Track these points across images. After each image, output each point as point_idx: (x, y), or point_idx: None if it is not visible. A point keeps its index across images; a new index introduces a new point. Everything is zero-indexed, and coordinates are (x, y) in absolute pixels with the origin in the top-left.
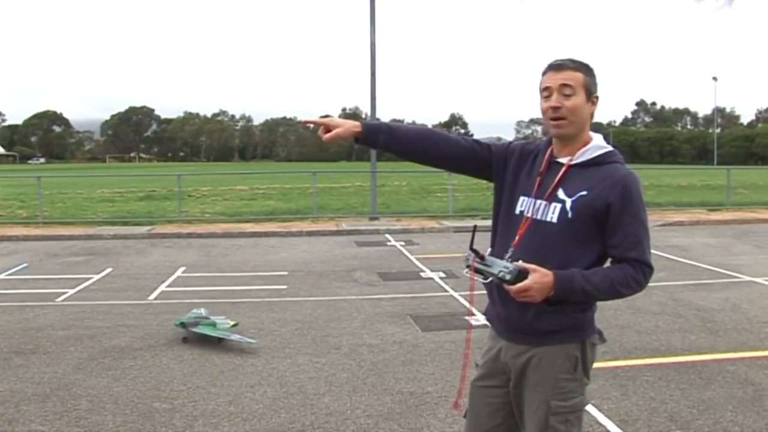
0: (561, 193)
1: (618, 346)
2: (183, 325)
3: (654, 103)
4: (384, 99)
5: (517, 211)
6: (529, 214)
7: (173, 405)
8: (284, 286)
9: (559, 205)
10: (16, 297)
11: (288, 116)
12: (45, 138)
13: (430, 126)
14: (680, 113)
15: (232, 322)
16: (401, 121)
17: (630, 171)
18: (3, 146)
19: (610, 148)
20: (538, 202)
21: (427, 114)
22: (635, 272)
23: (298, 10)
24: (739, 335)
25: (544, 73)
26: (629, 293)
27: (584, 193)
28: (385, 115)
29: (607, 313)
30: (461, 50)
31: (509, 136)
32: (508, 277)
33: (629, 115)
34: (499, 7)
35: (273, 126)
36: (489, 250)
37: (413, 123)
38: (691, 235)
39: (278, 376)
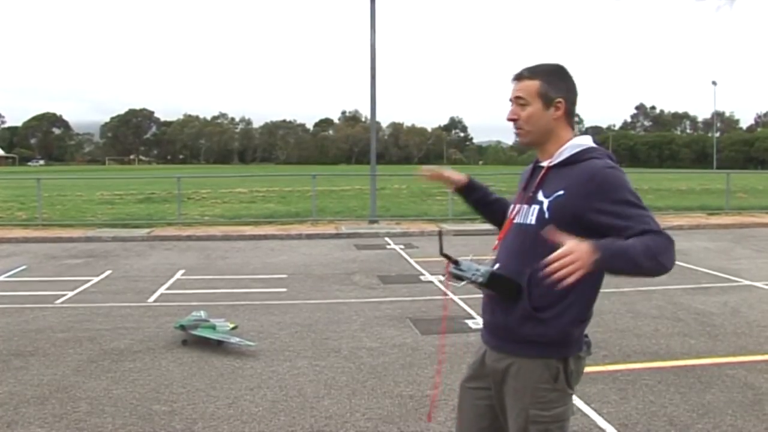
0: (540, 195)
1: (617, 349)
2: (182, 327)
3: (653, 107)
4: (384, 102)
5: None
6: (510, 217)
7: (173, 408)
8: (283, 289)
9: (537, 207)
10: (16, 299)
11: (287, 119)
12: (44, 140)
13: (429, 129)
14: (680, 117)
15: (232, 325)
16: (401, 125)
17: (607, 163)
18: (2, 148)
19: (587, 145)
20: (521, 205)
21: (427, 117)
22: (659, 237)
23: (298, 12)
24: (739, 339)
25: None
26: (665, 261)
27: (561, 192)
28: (385, 118)
29: (606, 316)
30: (461, 53)
31: (509, 139)
32: (480, 280)
33: (629, 119)
34: (499, 10)
35: (272, 129)
36: (470, 256)
37: (413, 126)
38: (690, 239)
39: (278, 379)
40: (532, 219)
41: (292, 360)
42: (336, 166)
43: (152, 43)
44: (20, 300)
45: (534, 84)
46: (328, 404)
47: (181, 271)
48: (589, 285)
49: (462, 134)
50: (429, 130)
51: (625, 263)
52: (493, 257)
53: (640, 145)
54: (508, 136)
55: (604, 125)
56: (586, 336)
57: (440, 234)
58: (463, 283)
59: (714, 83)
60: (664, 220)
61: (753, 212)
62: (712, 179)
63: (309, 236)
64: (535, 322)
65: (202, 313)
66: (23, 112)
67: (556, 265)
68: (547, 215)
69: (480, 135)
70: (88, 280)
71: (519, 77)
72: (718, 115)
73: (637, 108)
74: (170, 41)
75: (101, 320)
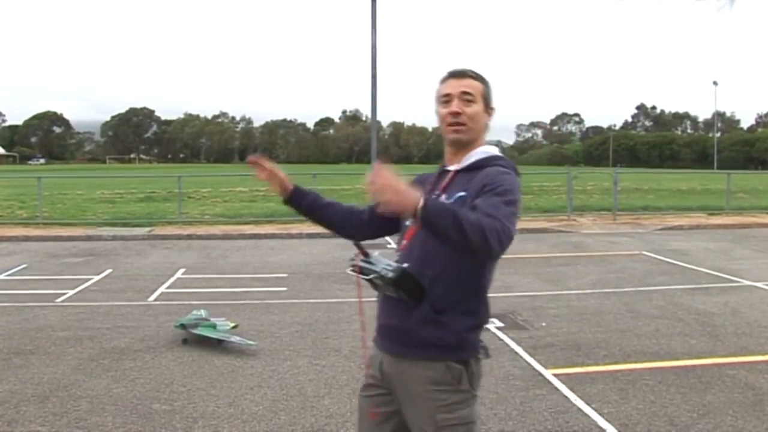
0: (443, 198)
1: (618, 349)
2: (183, 326)
3: (654, 107)
4: (385, 101)
5: (407, 223)
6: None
7: (173, 406)
8: (284, 288)
9: None
10: (16, 298)
11: (288, 118)
12: (45, 139)
13: (430, 129)
14: (680, 117)
15: (232, 324)
16: (401, 125)
17: (509, 171)
18: (3, 147)
19: (494, 153)
20: None
21: (428, 116)
22: (493, 222)
23: (299, 11)
24: (739, 339)
25: (443, 81)
26: (493, 243)
27: (462, 194)
28: (385, 118)
29: (606, 316)
30: (461, 53)
31: (509, 139)
32: (390, 275)
33: (629, 119)
34: (498, 10)
35: (273, 128)
36: (377, 252)
37: (413, 126)
38: (691, 240)
39: (278, 378)
40: None
41: (292, 359)
42: (336, 165)
43: (153, 42)
44: (21, 298)
45: (479, 85)
46: (329, 403)
47: (182, 270)
48: (484, 290)
49: None
50: (430, 129)
51: (452, 223)
52: (397, 258)
53: (641, 145)
54: (508, 136)
55: (605, 125)
56: (481, 340)
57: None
58: (370, 277)
59: (715, 83)
60: (665, 221)
61: (753, 212)
62: (713, 179)
63: (309, 235)
64: (435, 326)
65: (203, 312)
66: (24, 110)
67: (378, 180)
68: None
69: None
70: (89, 279)
71: (463, 75)
72: (719, 116)
73: (637, 108)
74: (171, 40)
75: (101, 319)
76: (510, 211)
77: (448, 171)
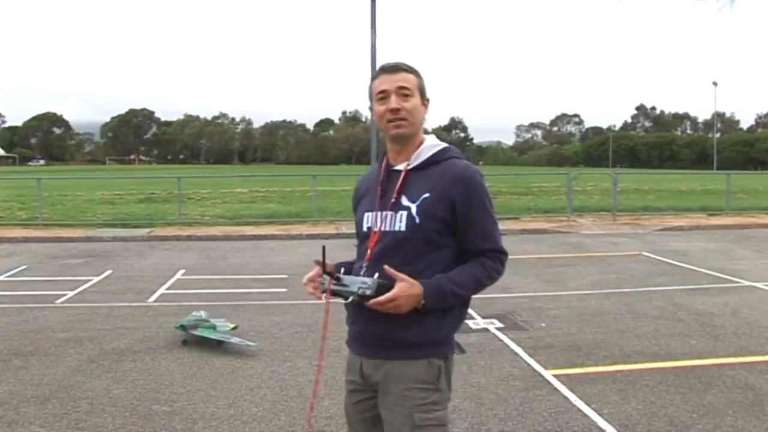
0: (404, 200)
1: (618, 350)
2: (183, 327)
3: (654, 108)
4: None
5: (365, 228)
6: (377, 228)
7: (173, 408)
8: (284, 289)
9: (404, 213)
10: (16, 299)
11: (288, 119)
12: (45, 140)
13: (430, 130)
14: (680, 118)
15: (232, 325)
16: None
17: (467, 164)
18: (3, 148)
19: (443, 145)
20: (384, 213)
21: (428, 117)
22: (494, 263)
23: (298, 12)
24: (739, 340)
25: (376, 77)
26: (492, 284)
27: (427, 195)
28: None
29: (606, 317)
30: (462, 53)
31: (509, 140)
32: (368, 292)
33: (629, 120)
34: (499, 11)
35: (273, 129)
36: (342, 270)
37: None
38: (690, 240)
39: (278, 379)
40: (401, 226)
41: (292, 360)
42: (336, 166)
43: (153, 42)
44: (20, 300)
45: (414, 78)
46: (329, 404)
47: (182, 271)
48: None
49: (462, 134)
50: (429, 130)
51: (454, 300)
52: (364, 268)
53: (641, 146)
54: (508, 136)
55: (605, 126)
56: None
57: (324, 250)
58: (350, 300)
59: (714, 84)
60: (664, 221)
61: (753, 213)
62: (713, 180)
63: (309, 236)
64: (417, 326)
65: (203, 313)
66: (23, 111)
67: (378, 307)
68: (417, 220)
69: (480, 135)
70: (89, 280)
71: (396, 69)
72: (719, 116)
73: (637, 108)
74: (171, 41)
75: (101, 320)
76: (495, 226)
77: (398, 170)
